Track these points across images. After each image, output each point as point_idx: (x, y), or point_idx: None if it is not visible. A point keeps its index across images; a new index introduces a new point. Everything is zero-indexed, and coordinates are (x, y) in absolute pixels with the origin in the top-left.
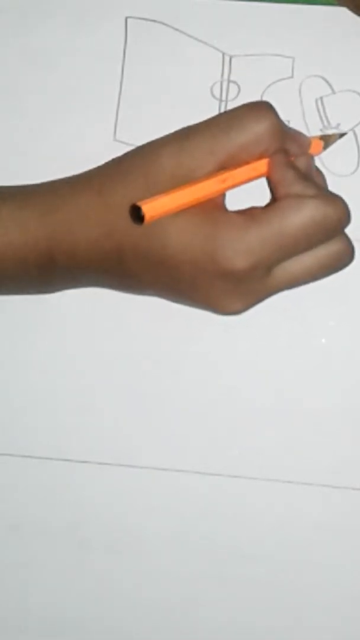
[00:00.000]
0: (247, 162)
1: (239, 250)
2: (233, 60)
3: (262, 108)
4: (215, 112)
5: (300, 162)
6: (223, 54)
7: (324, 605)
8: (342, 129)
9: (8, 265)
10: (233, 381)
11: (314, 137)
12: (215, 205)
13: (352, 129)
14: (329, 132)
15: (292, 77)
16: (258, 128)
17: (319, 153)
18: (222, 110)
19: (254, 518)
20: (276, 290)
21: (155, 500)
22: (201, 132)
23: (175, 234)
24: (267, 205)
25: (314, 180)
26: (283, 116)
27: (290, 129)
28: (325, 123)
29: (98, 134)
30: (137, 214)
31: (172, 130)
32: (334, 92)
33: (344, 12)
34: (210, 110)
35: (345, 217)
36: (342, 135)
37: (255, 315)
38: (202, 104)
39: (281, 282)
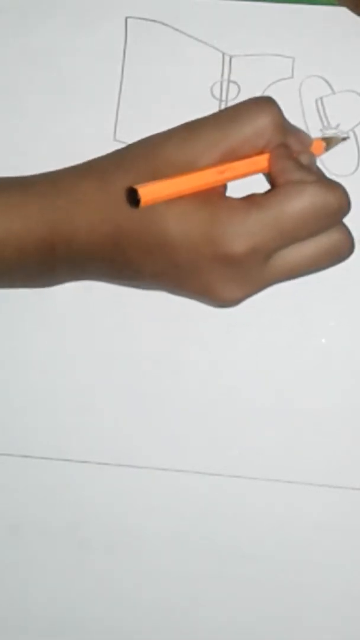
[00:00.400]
0: (249, 156)
1: (238, 233)
2: (233, 60)
3: (266, 103)
4: None
5: (302, 158)
6: (223, 54)
7: (324, 605)
8: (342, 129)
9: (8, 254)
10: (233, 381)
11: (316, 138)
12: (215, 193)
13: (352, 129)
14: (329, 132)
15: (292, 77)
16: (261, 122)
17: (320, 154)
18: None
19: (254, 518)
20: (275, 279)
21: (155, 500)
22: (205, 125)
23: (174, 219)
24: (268, 191)
25: (314, 170)
26: None
27: (292, 125)
28: (325, 123)
29: (98, 134)
30: (133, 197)
31: None
32: (334, 92)
33: (344, 12)
34: (210, 111)
35: (346, 203)
36: (344, 139)
37: (255, 315)
38: (202, 104)
39: (280, 271)
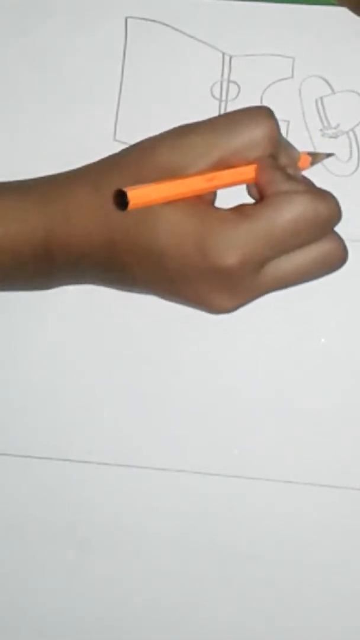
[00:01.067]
0: (239, 166)
1: (230, 245)
2: (233, 60)
3: (264, 115)
4: (215, 112)
5: (290, 170)
6: (223, 54)
7: (324, 605)
8: (342, 129)
9: (5, 258)
10: (233, 381)
11: (303, 153)
12: (204, 203)
13: (352, 129)
14: (329, 132)
15: (292, 77)
16: (255, 134)
17: (305, 169)
18: (222, 110)
19: (254, 518)
20: (267, 289)
21: (155, 500)
22: (198, 132)
23: (165, 229)
24: (257, 202)
25: (302, 180)
26: (283, 116)
27: (284, 139)
28: (325, 123)
29: (98, 134)
30: (121, 200)
31: None
32: (334, 92)
33: (344, 12)
34: (210, 110)
35: (336, 212)
36: (329, 155)
37: (255, 315)
38: (202, 104)
39: (272, 281)
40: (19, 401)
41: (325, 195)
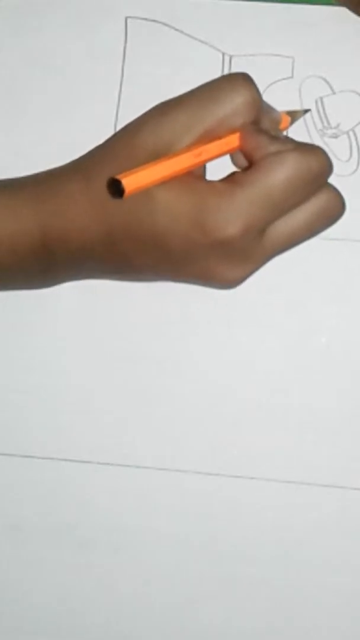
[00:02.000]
0: (224, 136)
1: (229, 216)
2: (233, 60)
3: (240, 80)
4: None
5: (273, 131)
6: (223, 54)
7: (324, 605)
8: (342, 129)
9: (4, 256)
10: (233, 381)
11: (282, 112)
12: (196, 178)
13: (352, 129)
14: (330, 132)
15: (292, 77)
16: (237, 101)
17: (287, 128)
18: None
19: (254, 518)
20: (273, 252)
21: (155, 500)
22: (179, 108)
23: (163, 209)
24: (248, 168)
25: (287, 139)
26: None
27: (266, 103)
28: (325, 123)
29: (98, 134)
30: (115, 188)
31: None
32: (334, 92)
33: (344, 12)
34: None
35: (328, 164)
36: (306, 111)
37: (255, 314)
38: None
39: (276, 244)
40: (19, 401)
41: (313, 149)
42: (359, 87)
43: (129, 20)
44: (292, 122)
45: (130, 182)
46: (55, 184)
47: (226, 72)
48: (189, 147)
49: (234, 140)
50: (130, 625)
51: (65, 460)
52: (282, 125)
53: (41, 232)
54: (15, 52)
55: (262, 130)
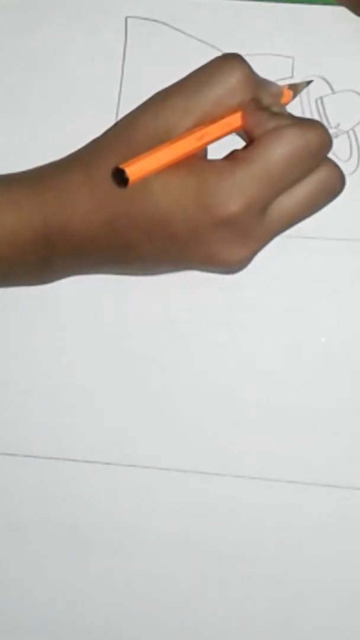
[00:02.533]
0: (223, 116)
1: (230, 193)
2: None
3: (233, 60)
4: None
5: (274, 108)
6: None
7: (324, 605)
8: (342, 129)
9: (4, 249)
10: (233, 381)
11: (284, 86)
12: (197, 158)
13: (352, 129)
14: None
15: (292, 77)
16: (230, 80)
17: (289, 102)
18: None
19: (255, 518)
20: (276, 230)
21: (155, 500)
22: (176, 92)
23: (164, 193)
24: (247, 146)
25: (287, 114)
26: None
27: (262, 78)
28: (325, 123)
29: (98, 134)
30: (120, 178)
31: None
32: (334, 92)
33: (344, 12)
34: None
35: (327, 139)
36: (308, 83)
37: (255, 314)
38: None
39: (279, 220)
40: (20, 401)
41: (313, 124)
42: (359, 87)
43: (129, 20)
44: (294, 95)
45: (134, 170)
46: (55, 175)
47: None
48: (190, 131)
49: (235, 120)
50: (130, 625)
51: (66, 460)
52: (284, 100)
53: (42, 222)
54: (15, 52)
55: (261, 107)
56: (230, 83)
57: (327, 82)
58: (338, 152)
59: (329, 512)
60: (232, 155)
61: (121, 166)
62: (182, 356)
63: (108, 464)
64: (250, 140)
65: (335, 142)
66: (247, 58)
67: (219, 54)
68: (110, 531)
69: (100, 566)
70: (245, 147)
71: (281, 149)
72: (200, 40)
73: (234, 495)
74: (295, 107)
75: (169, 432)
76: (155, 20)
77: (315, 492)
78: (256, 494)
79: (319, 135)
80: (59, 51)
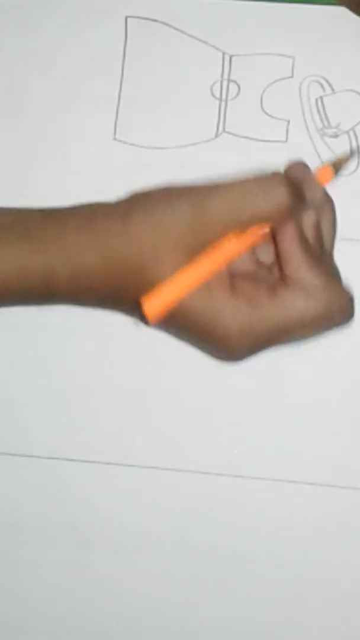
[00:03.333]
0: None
1: (238, 334)
2: (233, 59)
3: (271, 183)
4: (215, 112)
5: (309, 220)
6: (223, 54)
7: (324, 605)
8: (342, 129)
9: (6, 298)
10: (233, 381)
11: (325, 165)
12: (219, 287)
13: (352, 129)
14: (330, 132)
15: (292, 77)
16: (265, 207)
17: (330, 181)
18: (222, 109)
19: (255, 518)
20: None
21: (156, 500)
22: (219, 198)
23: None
24: (273, 291)
25: (321, 262)
26: (283, 116)
27: (301, 186)
28: (325, 123)
29: (98, 134)
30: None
31: (172, 129)
32: (334, 92)
33: (344, 12)
34: (210, 110)
35: (349, 314)
36: (353, 153)
37: None
38: (202, 104)
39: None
40: (20, 401)
41: (341, 295)
42: (359, 87)
43: (129, 20)
44: (337, 172)
45: (153, 307)
46: (61, 232)
47: (226, 71)
48: (216, 246)
49: (258, 237)
50: (130, 625)
51: (66, 460)
52: (325, 180)
53: (46, 276)
54: (15, 52)
55: (299, 241)
56: (262, 210)
57: (327, 82)
58: (338, 152)
59: (329, 512)
60: (255, 295)
61: (142, 302)
62: (182, 356)
63: (108, 464)
64: (278, 263)
65: (335, 142)
66: (247, 58)
67: (219, 53)
68: (110, 531)
69: (100, 566)
70: (270, 293)
71: (303, 315)
72: (200, 40)
73: (233, 495)
74: (295, 107)
75: (169, 432)
76: (155, 20)
77: (315, 492)
78: (256, 494)
79: (343, 315)
80: (59, 51)
